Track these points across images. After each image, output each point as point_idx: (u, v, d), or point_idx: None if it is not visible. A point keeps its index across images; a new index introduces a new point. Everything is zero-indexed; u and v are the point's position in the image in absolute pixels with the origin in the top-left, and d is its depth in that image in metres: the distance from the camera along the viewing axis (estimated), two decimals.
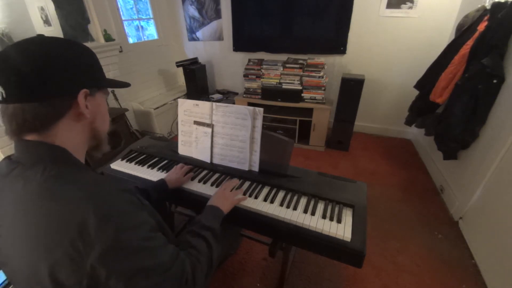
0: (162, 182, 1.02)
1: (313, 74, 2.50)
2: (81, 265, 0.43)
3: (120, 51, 2.61)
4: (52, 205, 0.45)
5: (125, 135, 2.41)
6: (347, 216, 0.92)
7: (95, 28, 2.41)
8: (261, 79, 2.70)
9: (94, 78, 0.57)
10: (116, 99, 2.60)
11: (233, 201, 0.94)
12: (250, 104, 2.79)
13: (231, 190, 0.98)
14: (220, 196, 0.93)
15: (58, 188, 0.47)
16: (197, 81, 3.13)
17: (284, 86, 2.62)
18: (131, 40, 2.90)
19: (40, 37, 0.50)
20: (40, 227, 0.45)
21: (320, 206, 0.97)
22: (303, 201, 1.00)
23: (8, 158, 0.53)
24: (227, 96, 3.29)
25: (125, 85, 0.66)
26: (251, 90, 2.81)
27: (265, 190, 1.05)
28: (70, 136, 0.54)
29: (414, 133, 2.77)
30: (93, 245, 0.43)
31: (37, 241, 0.45)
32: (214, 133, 1.14)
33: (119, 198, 0.50)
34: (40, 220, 0.45)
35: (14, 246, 0.49)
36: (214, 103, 1.12)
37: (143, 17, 3.13)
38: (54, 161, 0.50)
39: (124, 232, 0.46)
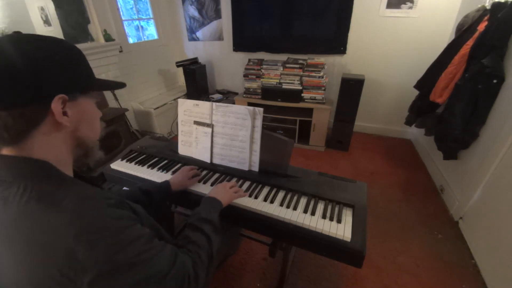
0: (166, 184, 0.99)
1: (313, 74, 2.50)
2: None
3: (120, 51, 2.62)
4: (36, 233, 0.42)
5: (125, 135, 2.41)
6: (347, 216, 0.92)
7: (95, 28, 2.41)
8: (261, 79, 2.70)
9: (75, 80, 0.50)
10: (116, 99, 2.59)
11: (233, 195, 0.94)
12: (250, 104, 2.79)
13: (230, 187, 0.97)
14: (219, 189, 0.93)
15: (40, 213, 0.43)
16: (197, 81, 3.13)
17: (284, 86, 2.62)
18: (131, 40, 2.90)
19: (7, 37, 0.45)
20: (26, 256, 0.43)
21: (320, 206, 0.97)
22: (303, 201, 1.00)
23: None
24: (227, 96, 3.29)
25: (118, 86, 0.60)
26: (251, 90, 2.82)
27: (265, 190, 1.05)
28: (50, 147, 0.48)
29: (414, 133, 2.77)
30: (85, 270, 0.41)
31: (23, 268, 0.43)
32: (214, 133, 1.14)
33: (108, 217, 0.46)
34: (24, 248, 0.42)
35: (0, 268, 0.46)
36: (214, 103, 1.12)
37: (143, 17, 3.13)
38: (34, 177, 0.45)
39: (116, 252, 0.44)
